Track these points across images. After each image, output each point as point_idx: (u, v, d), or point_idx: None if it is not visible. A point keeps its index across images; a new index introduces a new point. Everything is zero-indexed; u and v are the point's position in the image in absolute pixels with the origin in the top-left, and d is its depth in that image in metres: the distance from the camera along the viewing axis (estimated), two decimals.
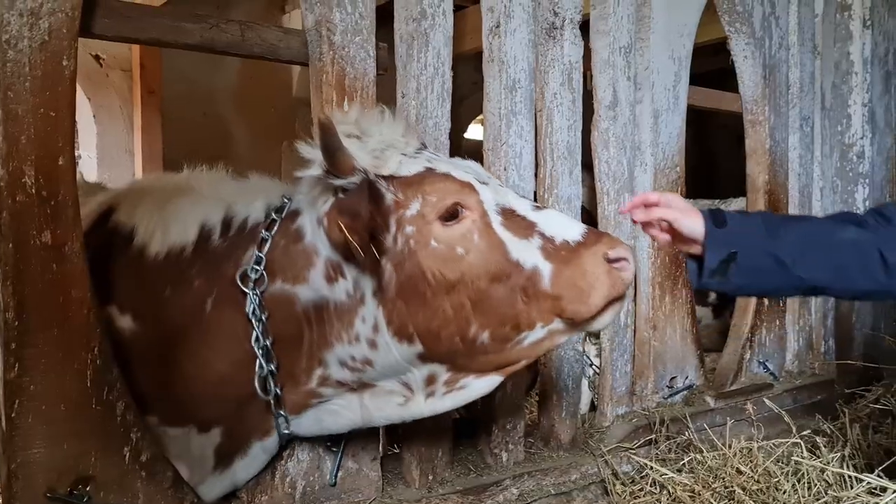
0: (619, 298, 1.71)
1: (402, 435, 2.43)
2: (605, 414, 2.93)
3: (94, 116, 5.03)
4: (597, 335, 3.14)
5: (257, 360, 1.79)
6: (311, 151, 1.70)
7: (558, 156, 2.70)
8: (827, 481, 2.17)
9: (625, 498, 2.54)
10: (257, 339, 1.79)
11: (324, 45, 2.15)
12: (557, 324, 1.72)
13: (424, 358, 1.76)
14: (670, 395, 3.12)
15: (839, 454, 2.45)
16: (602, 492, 2.65)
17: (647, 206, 1.95)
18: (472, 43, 2.71)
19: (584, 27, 2.83)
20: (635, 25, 2.97)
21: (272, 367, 1.80)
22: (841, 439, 2.80)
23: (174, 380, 1.86)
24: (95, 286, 1.71)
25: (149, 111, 4.89)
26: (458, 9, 2.55)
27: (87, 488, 1.69)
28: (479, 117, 5.98)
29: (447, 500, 2.31)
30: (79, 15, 1.70)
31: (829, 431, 2.92)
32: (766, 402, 2.90)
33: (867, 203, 3.94)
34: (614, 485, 2.61)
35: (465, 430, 2.71)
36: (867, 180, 3.95)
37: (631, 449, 2.78)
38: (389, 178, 1.71)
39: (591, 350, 3.36)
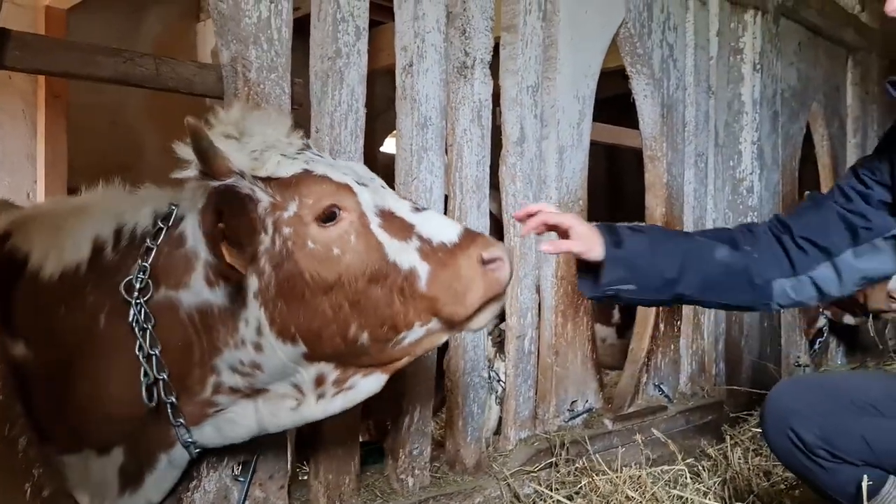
0: (496, 298, 1.75)
1: (309, 460, 2.48)
2: (508, 438, 3.05)
3: None
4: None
5: (142, 369, 1.76)
6: (188, 152, 1.69)
7: (467, 189, 2.81)
8: None
9: None
10: (140, 347, 1.76)
11: (239, 82, 2.19)
12: (435, 324, 1.75)
13: (310, 358, 1.77)
14: (571, 419, 3.26)
15: (721, 478, 2.63)
16: None
17: (554, 228, 2.06)
18: (389, 59, 2.80)
19: (494, 66, 2.95)
20: (542, 66, 3.12)
21: (164, 375, 1.77)
22: (724, 462, 2.99)
23: (70, 403, 1.82)
24: None
25: (53, 116, 4.72)
26: (375, 24, 2.62)
27: None
28: (395, 131, 6.04)
29: None
30: None
31: (713, 455, 3.12)
32: (655, 431, 3.07)
33: None
34: None
35: (373, 455, 2.78)
36: (756, 213, 4.21)
37: (532, 472, 2.90)
38: (267, 180, 1.72)
39: (501, 367, 3.46)
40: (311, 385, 1.81)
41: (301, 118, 2.39)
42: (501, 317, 3.21)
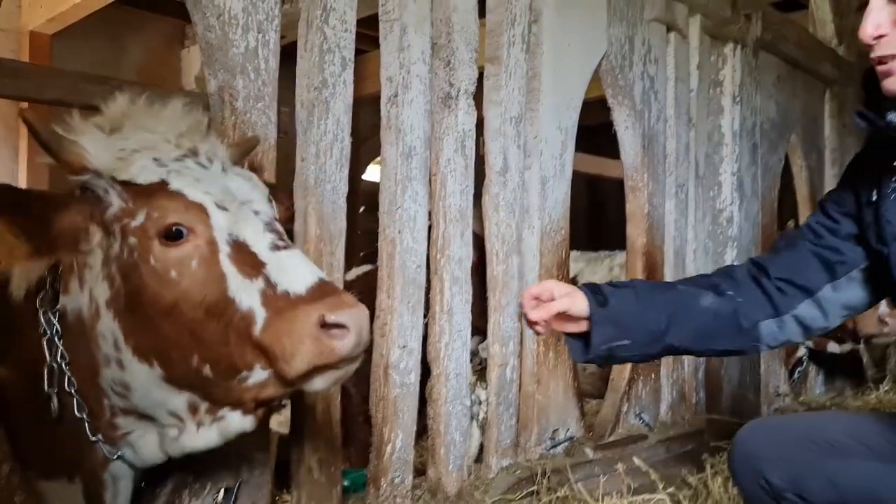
0: (331, 367, 1.58)
1: (290, 488, 2.47)
2: (490, 466, 3.05)
3: None
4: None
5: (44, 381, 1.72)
6: None
7: (450, 219, 2.83)
8: None
9: None
10: (48, 358, 1.72)
11: (226, 111, 2.21)
12: (272, 373, 1.60)
13: (170, 382, 1.66)
14: (552, 447, 3.26)
15: None
16: None
17: (536, 299, 2.02)
18: (373, 87, 2.84)
19: (478, 97, 2.99)
20: (525, 97, 3.16)
21: (73, 389, 1.72)
22: (704, 492, 3.01)
23: (43, 429, 1.79)
24: None
25: (36, 142, 4.74)
26: (359, 52, 2.65)
27: None
28: (379, 158, 6.07)
29: None
30: None
31: (693, 484, 3.13)
32: (636, 461, 3.09)
33: (736, 264, 4.25)
34: None
35: (355, 483, 2.78)
36: (736, 243, 4.27)
37: (514, 500, 2.90)
38: (125, 184, 1.65)
39: (482, 394, 3.47)
40: (187, 412, 1.71)
41: (287, 146, 2.43)
42: (484, 335, 3.21)
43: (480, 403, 3.39)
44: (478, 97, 2.97)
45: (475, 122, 2.94)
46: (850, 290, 2.12)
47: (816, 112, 5.46)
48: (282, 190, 2.12)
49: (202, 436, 1.73)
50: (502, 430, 3.08)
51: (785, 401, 4.72)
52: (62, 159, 1.63)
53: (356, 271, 4.13)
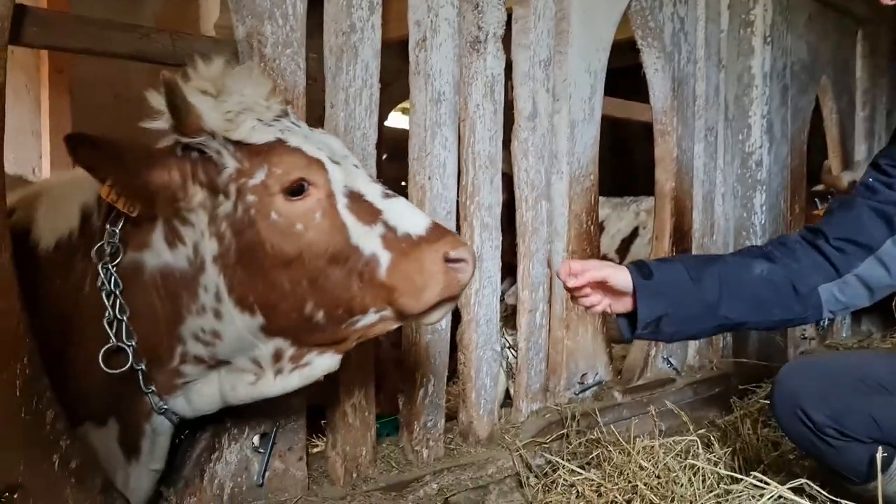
0: (452, 298, 1.76)
1: (326, 432, 2.52)
2: (520, 410, 3.08)
3: None
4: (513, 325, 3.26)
5: (110, 335, 1.77)
6: (162, 103, 1.68)
7: (480, 165, 2.81)
8: (719, 474, 2.38)
9: (537, 490, 2.69)
10: (108, 312, 1.76)
11: (255, 57, 2.19)
12: (389, 312, 1.75)
13: (267, 331, 1.77)
14: (581, 391, 3.29)
15: (731, 448, 2.67)
16: (517, 484, 2.80)
17: (574, 273, 2.05)
18: (397, 31, 2.79)
19: (506, 40, 2.93)
20: (554, 40, 3.10)
21: (132, 342, 1.78)
22: (733, 434, 3.03)
23: (68, 376, 1.84)
24: None
25: (57, 91, 4.71)
26: None
27: (16, 496, 1.71)
28: (401, 105, 6.02)
29: (370, 496, 2.41)
30: (9, 26, 1.70)
31: (723, 426, 3.16)
32: (668, 403, 3.11)
33: (764, 208, 4.21)
34: (528, 478, 2.76)
35: (387, 428, 2.82)
36: (765, 187, 4.22)
37: (544, 444, 2.94)
38: (238, 144, 1.71)
39: (509, 339, 3.48)
40: (270, 360, 1.81)
41: (315, 93, 2.41)
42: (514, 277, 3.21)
43: (511, 348, 3.41)
44: (506, 41, 2.92)
45: (504, 66, 2.89)
46: None
47: (848, 53, 5.33)
48: None
49: (279, 383, 1.84)
50: (532, 375, 3.11)
51: (811, 344, 4.72)
52: (184, 122, 1.66)
53: None
